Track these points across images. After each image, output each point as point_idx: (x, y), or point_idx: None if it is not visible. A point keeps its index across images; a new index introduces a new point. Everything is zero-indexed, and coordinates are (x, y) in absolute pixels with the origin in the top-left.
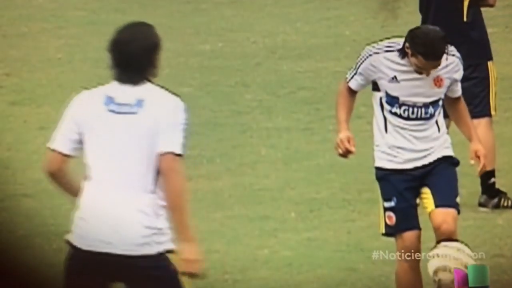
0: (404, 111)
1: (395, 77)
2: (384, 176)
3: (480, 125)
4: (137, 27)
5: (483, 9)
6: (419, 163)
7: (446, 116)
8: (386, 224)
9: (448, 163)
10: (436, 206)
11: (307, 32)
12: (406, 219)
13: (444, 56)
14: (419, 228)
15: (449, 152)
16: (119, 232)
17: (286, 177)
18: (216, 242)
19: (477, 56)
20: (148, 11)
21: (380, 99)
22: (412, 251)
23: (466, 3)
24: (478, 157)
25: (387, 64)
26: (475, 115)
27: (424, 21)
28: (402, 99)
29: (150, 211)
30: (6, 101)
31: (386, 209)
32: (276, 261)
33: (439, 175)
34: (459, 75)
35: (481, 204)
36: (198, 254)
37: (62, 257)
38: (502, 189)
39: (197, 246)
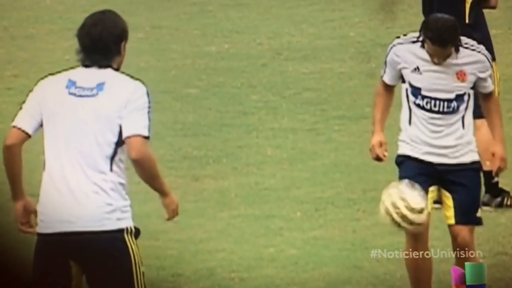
0: (426, 103)
1: (417, 67)
2: (403, 160)
3: (483, 125)
4: (105, 14)
5: (485, 11)
6: (439, 160)
7: (476, 117)
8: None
9: (473, 171)
10: (457, 222)
11: (312, 34)
12: None
13: (470, 51)
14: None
15: (473, 156)
16: (79, 210)
17: (291, 176)
18: (222, 241)
19: None
20: (154, 13)
21: (406, 90)
22: (416, 238)
23: (468, 5)
24: (495, 159)
25: (410, 54)
26: (478, 115)
27: None
28: (424, 90)
29: (109, 189)
30: (14, 102)
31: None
32: (282, 260)
33: (464, 187)
34: (486, 74)
35: (484, 203)
36: (176, 199)
37: None
38: (505, 188)
39: (172, 195)
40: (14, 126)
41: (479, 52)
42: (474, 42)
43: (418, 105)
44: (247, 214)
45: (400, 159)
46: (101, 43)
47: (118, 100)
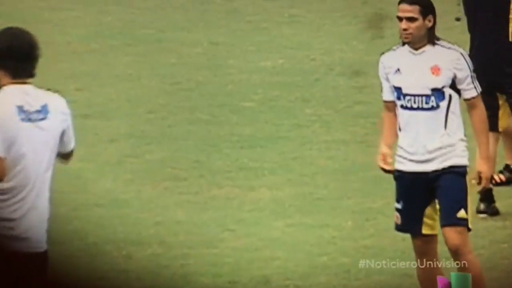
0: (408, 101)
1: (398, 69)
2: (397, 177)
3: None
4: (18, 28)
5: None
6: (428, 167)
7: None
8: (395, 222)
9: (456, 174)
10: (442, 225)
11: (361, 50)
12: (409, 223)
13: (446, 49)
14: (421, 234)
15: (459, 160)
16: (32, 231)
17: (343, 187)
18: (277, 250)
19: None
20: (211, 29)
21: (394, 95)
22: (421, 253)
23: (511, 24)
24: (480, 178)
25: (391, 58)
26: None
27: (472, 41)
28: (404, 88)
29: (47, 212)
30: (78, 115)
31: (395, 209)
32: (335, 268)
33: (446, 189)
34: (462, 73)
35: (480, 211)
36: None
37: (131, 263)
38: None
39: None
40: None
41: (455, 50)
42: (453, 45)
43: (402, 106)
44: (301, 223)
45: (395, 175)
46: (32, 54)
47: (60, 118)
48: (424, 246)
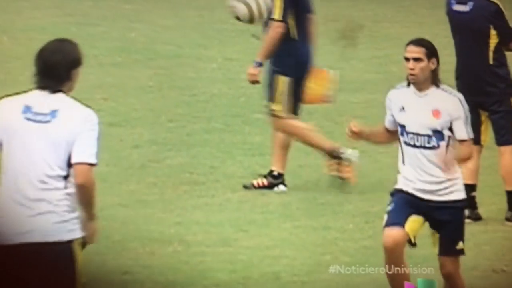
0: (410, 138)
1: (403, 107)
2: (395, 192)
3: (506, 151)
4: (62, 42)
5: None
6: (428, 196)
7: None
8: (383, 224)
9: (457, 208)
10: (440, 254)
11: (360, 68)
12: (393, 218)
13: (447, 94)
14: (402, 227)
15: (459, 195)
16: (36, 223)
17: (344, 193)
18: (286, 249)
19: (502, 92)
20: (226, 46)
21: (398, 131)
22: (391, 243)
23: (491, 50)
24: None
25: (398, 96)
26: (502, 143)
27: (457, 64)
28: (408, 127)
29: (62, 205)
30: (104, 123)
31: (386, 212)
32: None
33: (447, 224)
34: (458, 114)
35: (507, 219)
36: (96, 229)
37: (154, 259)
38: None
39: (96, 223)
40: None
41: (454, 96)
42: (451, 89)
43: (405, 143)
44: (306, 225)
45: (393, 191)
46: (55, 70)
47: (70, 127)
48: (395, 234)
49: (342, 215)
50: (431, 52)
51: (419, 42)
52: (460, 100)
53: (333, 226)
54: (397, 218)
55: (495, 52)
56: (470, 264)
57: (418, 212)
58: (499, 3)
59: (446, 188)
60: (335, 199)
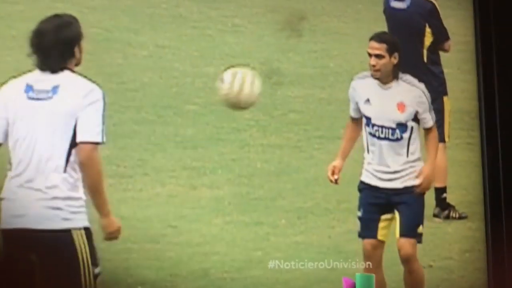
0: (375, 130)
1: (368, 99)
2: (361, 189)
3: (439, 149)
4: (60, 18)
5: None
6: (388, 184)
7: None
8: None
9: (417, 193)
10: (401, 235)
11: (297, 62)
12: (367, 229)
13: (410, 86)
14: (375, 238)
15: (418, 181)
16: (30, 208)
17: (278, 188)
18: (216, 245)
19: (436, 90)
20: (158, 32)
21: (364, 121)
22: (368, 257)
23: (425, 49)
24: (421, 175)
25: (363, 87)
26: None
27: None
28: (373, 119)
29: (63, 189)
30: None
31: (357, 217)
32: (268, 262)
33: (408, 206)
34: (423, 108)
35: (434, 215)
36: (117, 224)
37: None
38: (451, 203)
39: (114, 218)
40: None
41: (417, 88)
42: (415, 80)
43: (370, 133)
44: (238, 220)
45: (359, 187)
46: (53, 50)
47: (73, 103)
48: (371, 248)
49: (274, 210)
50: (393, 48)
51: (380, 38)
52: (423, 91)
53: (265, 221)
54: (368, 231)
55: (429, 50)
56: (398, 260)
57: (385, 210)
58: (435, 2)
59: (407, 175)
60: (267, 194)
